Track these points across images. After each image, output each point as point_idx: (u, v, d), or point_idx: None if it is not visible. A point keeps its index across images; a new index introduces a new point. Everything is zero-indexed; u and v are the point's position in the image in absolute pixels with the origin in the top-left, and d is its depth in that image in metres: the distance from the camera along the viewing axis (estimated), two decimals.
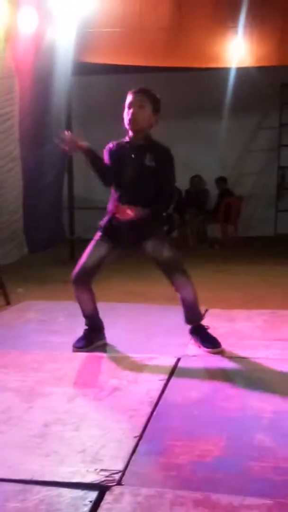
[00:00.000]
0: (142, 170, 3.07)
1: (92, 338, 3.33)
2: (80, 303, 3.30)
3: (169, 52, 6.60)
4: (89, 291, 3.26)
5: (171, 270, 3.16)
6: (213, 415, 2.41)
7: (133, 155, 3.09)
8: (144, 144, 3.11)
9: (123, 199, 3.12)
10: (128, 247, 3.21)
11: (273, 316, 3.98)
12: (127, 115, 3.08)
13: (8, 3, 5.46)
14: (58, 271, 6.34)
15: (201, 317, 3.33)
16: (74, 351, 3.26)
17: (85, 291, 3.25)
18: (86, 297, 3.27)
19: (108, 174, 3.14)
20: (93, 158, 3.11)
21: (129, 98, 3.09)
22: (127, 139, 3.15)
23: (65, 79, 6.67)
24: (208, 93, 8.01)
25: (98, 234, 3.23)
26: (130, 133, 3.12)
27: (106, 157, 3.16)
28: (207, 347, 3.21)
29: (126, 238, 3.14)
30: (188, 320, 3.31)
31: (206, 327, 3.32)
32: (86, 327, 3.36)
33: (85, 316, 3.35)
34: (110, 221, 3.20)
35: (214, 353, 3.18)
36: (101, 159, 3.14)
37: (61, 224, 7.61)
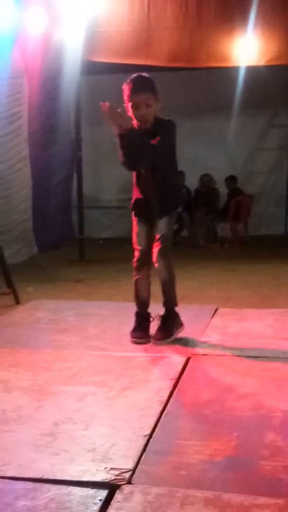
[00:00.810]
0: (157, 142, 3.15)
1: (147, 327, 3.46)
2: (139, 290, 3.45)
3: (177, 51, 6.59)
4: (149, 277, 3.44)
5: (162, 245, 3.33)
6: (223, 414, 2.40)
7: (150, 134, 3.16)
8: (154, 127, 3.20)
9: (144, 183, 3.30)
10: (155, 216, 3.35)
11: (285, 315, 3.96)
12: (136, 115, 3.16)
13: (17, 4, 5.47)
14: (68, 270, 6.36)
15: (174, 301, 3.46)
16: (133, 341, 3.37)
17: (146, 276, 3.43)
18: (146, 283, 3.44)
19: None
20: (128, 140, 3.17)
21: (132, 98, 3.15)
22: (136, 126, 3.21)
23: (73, 79, 6.69)
24: (218, 92, 8.00)
25: (134, 217, 3.43)
26: (143, 126, 3.20)
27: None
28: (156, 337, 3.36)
29: (152, 212, 3.32)
30: (164, 298, 3.47)
31: (169, 313, 3.43)
32: (138, 318, 3.46)
33: (141, 303, 3.47)
34: (137, 202, 3.40)
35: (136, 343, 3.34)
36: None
37: (70, 223, 7.62)
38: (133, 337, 3.40)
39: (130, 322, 3.83)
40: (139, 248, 3.40)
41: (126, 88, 3.18)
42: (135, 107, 3.15)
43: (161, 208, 3.30)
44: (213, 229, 8.88)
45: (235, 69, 6.95)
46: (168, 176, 3.31)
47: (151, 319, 3.49)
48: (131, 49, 6.53)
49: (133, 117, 3.18)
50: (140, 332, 3.42)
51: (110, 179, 8.38)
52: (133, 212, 3.44)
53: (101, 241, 8.27)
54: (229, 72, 7.09)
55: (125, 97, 3.19)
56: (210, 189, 8.94)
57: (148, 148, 3.19)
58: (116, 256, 7.32)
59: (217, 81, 7.85)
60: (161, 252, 3.32)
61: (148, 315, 3.50)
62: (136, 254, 3.42)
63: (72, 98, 6.98)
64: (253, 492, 1.79)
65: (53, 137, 6.83)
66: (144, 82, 3.17)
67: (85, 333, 3.65)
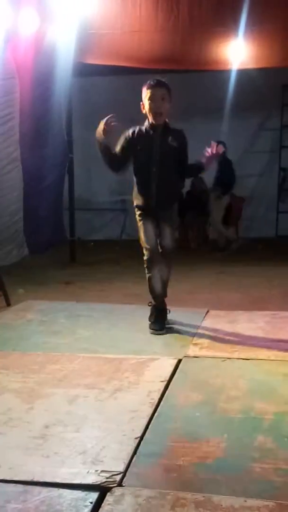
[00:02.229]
0: (167, 149, 3.54)
1: (164, 319, 3.70)
2: (154, 286, 3.65)
3: (169, 54, 6.60)
4: (161, 271, 3.64)
5: (166, 258, 3.67)
6: (214, 416, 2.41)
7: (159, 138, 3.54)
8: (165, 129, 3.58)
9: (150, 180, 3.55)
10: (158, 213, 3.63)
11: (275, 317, 3.97)
12: (152, 107, 3.47)
13: (8, 4, 5.46)
14: (59, 272, 6.35)
15: (154, 297, 3.69)
16: (152, 333, 3.59)
17: (159, 269, 3.62)
18: (159, 278, 3.64)
19: (119, 162, 3.62)
20: (108, 147, 3.58)
21: (150, 91, 3.47)
22: (147, 125, 3.56)
23: (65, 81, 6.67)
24: (209, 95, 8.02)
25: (138, 217, 3.66)
26: (153, 121, 3.52)
27: (123, 142, 3.58)
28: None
29: (154, 209, 3.59)
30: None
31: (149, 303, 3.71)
32: (155, 309, 3.68)
33: (157, 295, 3.67)
34: (140, 198, 3.64)
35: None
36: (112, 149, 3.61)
37: (61, 225, 7.60)
38: (152, 329, 3.62)
39: (121, 324, 3.84)
40: (149, 247, 3.60)
41: (145, 87, 3.50)
42: (152, 98, 3.46)
43: (166, 201, 3.61)
44: (204, 232, 8.89)
45: (226, 72, 6.96)
46: (174, 177, 3.66)
47: (168, 311, 3.71)
48: (123, 51, 6.53)
49: (148, 110, 3.49)
50: (159, 324, 3.63)
51: (101, 181, 8.37)
52: (139, 212, 3.65)
53: (92, 243, 8.26)
54: (221, 75, 7.11)
55: (143, 94, 3.50)
56: (201, 192, 8.95)
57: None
58: (107, 258, 7.33)
59: (208, 84, 7.86)
60: (168, 253, 3.65)
61: (165, 307, 3.71)
62: (146, 253, 3.62)
63: (64, 99, 6.97)
64: (244, 494, 1.80)
65: (44, 138, 6.81)
66: (163, 82, 3.53)
67: (76, 335, 3.65)
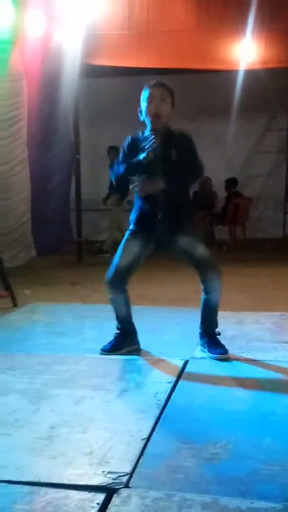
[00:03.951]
0: (170, 165, 3.04)
1: (123, 343, 3.25)
2: (114, 306, 3.22)
3: (176, 54, 6.60)
4: (124, 293, 3.19)
5: (208, 269, 3.10)
6: (221, 417, 2.39)
7: (160, 145, 3.02)
8: (168, 133, 3.10)
9: (152, 198, 3.09)
10: (160, 240, 3.14)
11: (282, 318, 3.96)
12: (150, 109, 3.04)
13: (16, 6, 5.48)
14: (65, 273, 6.36)
15: (217, 322, 3.25)
16: (101, 354, 3.21)
17: (120, 293, 3.18)
18: (121, 300, 3.20)
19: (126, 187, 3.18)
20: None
21: (150, 92, 3.05)
22: (148, 131, 3.08)
23: (72, 82, 6.69)
24: (216, 95, 8.01)
25: (128, 231, 3.20)
26: (153, 125, 3.06)
27: (124, 152, 3.13)
28: (214, 353, 3.15)
29: (159, 229, 3.09)
30: (206, 324, 3.23)
31: (217, 333, 3.25)
32: (118, 331, 3.27)
33: (118, 319, 3.25)
34: (141, 213, 3.15)
35: (221, 359, 3.11)
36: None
37: (68, 226, 7.62)
38: (101, 350, 3.23)
39: None
40: (117, 265, 3.12)
41: (144, 88, 3.09)
42: (150, 99, 3.03)
43: (178, 222, 3.10)
44: (211, 232, 8.89)
45: (233, 73, 6.96)
46: (184, 194, 3.23)
47: (218, 333, 3.23)
48: (130, 52, 6.54)
49: (146, 113, 3.05)
50: (110, 346, 3.23)
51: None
52: (133, 226, 3.19)
53: (98, 244, 8.27)
54: (228, 76, 7.11)
55: (141, 97, 3.09)
56: (208, 192, 8.94)
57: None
58: (103, 257, 7.33)
59: (216, 84, 7.86)
60: (211, 280, 3.10)
61: (129, 327, 3.27)
62: (111, 271, 3.14)
63: (71, 101, 6.99)
64: (250, 496, 1.79)
65: (51, 140, 6.83)
66: (163, 83, 3.10)
67: (82, 336, 3.65)
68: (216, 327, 3.24)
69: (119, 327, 3.27)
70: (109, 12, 6.24)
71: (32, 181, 6.58)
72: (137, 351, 3.26)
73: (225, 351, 3.15)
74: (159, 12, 6.24)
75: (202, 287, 3.14)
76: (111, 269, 3.15)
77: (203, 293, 3.16)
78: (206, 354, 3.17)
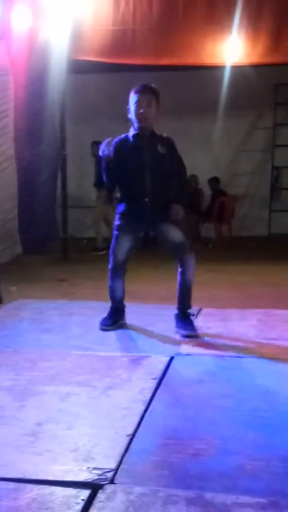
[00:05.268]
0: (157, 157, 3.44)
1: (118, 317, 3.66)
2: (112, 291, 3.64)
3: (162, 50, 6.58)
4: (123, 280, 3.64)
5: (184, 252, 3.51)
6: (206, 413, 2.41)
7: (146, 145, 3.44)
8: (153, 135, 3.47)
9: (140, 187, 3.43)
10: (147, 225, 3.59)
11: (267, 315, 3.98)
12: (137, 113, 3.38)
13: (1, 1, 5.43)
14: (51, 270, 6.32)
15: (191, 304, 3.61)
16: (101, 329, 3.59)
17: (120, 281, 3.63)
18: (120, 285, 3.64)
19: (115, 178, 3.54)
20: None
21: (137, 96, 3.38)
22: (133, 132, 3.46)
23: (59, 77, 6.65)
24: (202, 93, 8.01)
25: (117, 227, 3.56)
26: (138, 126, 3.42)
27: (111, 152, 3.42)
28: (185, 331, 3.47)
29: (146, 213, 3.46)
30: (181, 304, 3.58)
31: (192, 313, 3.64)
32: (111, 308, 3.67)
33: (113, 299, 3.67)
34: (129, 200, 3.52)
35: (189, 336, 3.42)
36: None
37: (55, 223, 7.59)
38: (101, 324, 3.64)
39: None
40: (116, 259, 3.58)
41: (132, 92, 3.42)
42: (137, 103, 3.37)
43: (162, 211, 3.45)
44: (197, 230, 8.90)
45: (219, 71, 6.96)
46: (168, 186, 3.53)
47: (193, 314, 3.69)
48: (117, 48, 6.52)
49: (134, 115, 3.39)
50: (110, 319, 3.64)
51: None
52: (120, 223, 3.54)
53: (85, 241, 8.24)
54: (214, 74, 7.11)
55: (130, 99, 3.42)
56: (194, 190, 8.96)
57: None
58: (100, 255, 7.31)
59: (201, 82, 7.85)
60: (187, 261, 3.50)
61: (121, 307, 3.68)
62: (111, 263, 3.60)
63: (57, 96, 6.95)
64: (235, 491, 1.80)
65: (38, 136, 6.79)
66: (150, 87, 3.45)
67: (68, 332, 3.64)
68: (190, 308, 3.61)
69: (113, 305, 3.68)
70: (95, 8, 6.22)
71: (18, 177, 6.55)
72: (125, 324, 3.68)
73: (194, 330, 3.49)
74: (145, 8, 6.24)
75: (179, 268, 3.52)
76: (111, 264, 3.58)
77: (179, 275, 3.54)
78: (179, 333, 3.50)
